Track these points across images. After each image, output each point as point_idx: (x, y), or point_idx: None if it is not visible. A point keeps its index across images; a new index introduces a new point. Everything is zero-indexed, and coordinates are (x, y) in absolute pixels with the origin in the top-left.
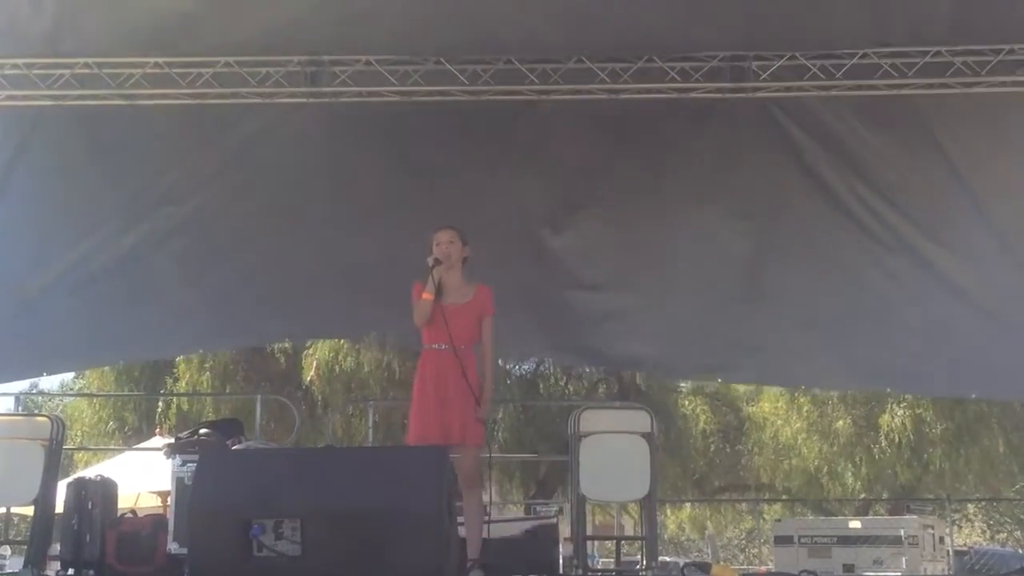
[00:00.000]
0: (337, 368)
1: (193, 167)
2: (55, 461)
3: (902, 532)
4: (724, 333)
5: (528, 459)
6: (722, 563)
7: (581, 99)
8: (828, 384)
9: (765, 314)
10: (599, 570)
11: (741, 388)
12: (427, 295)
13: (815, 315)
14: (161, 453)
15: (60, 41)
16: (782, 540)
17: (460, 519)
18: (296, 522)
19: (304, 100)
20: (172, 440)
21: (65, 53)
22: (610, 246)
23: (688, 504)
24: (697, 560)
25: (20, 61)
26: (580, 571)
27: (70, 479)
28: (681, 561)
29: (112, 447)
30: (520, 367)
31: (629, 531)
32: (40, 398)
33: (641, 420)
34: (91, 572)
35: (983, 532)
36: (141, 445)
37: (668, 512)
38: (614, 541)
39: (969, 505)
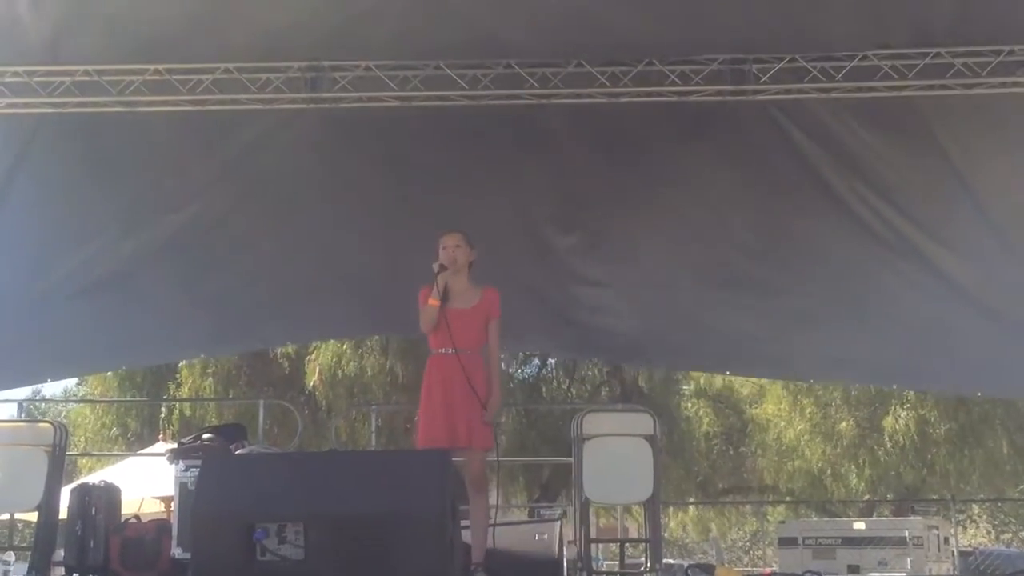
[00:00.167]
0: (340, 373)
1: (193, 173)
2: (58, 467)
3: (907, 533)
4: (729, 327)
5: (531, 462)
6: (726, 565)
7: (582, 103)
8: (833, 379)
9: (770, 309)
10: (603, 573)
11: (744, 390)
12: (433, 301)
13: (819, 312)
14: (164, 458)
15: (60, 49)
16: (786, 542)
17: (465, 523)
18: (299, 526)
19: (304, 106)
20: (175, 445)
21: (65, 61)
22: (613, 244)
23: (692, 506)
24: (701, 562)
25: (20, 69)
26: (584, 574)
27: (74, 485)
28: (685, 563)
29: (115, 453)
30: (523, 371)
31: (633, 534)
32: (43, 404)
33: (644, 423)
34: None
35: (988, 533)
36: (144, 450)
37: (672, 514)
38: (618, 544)
39: (974, 506)
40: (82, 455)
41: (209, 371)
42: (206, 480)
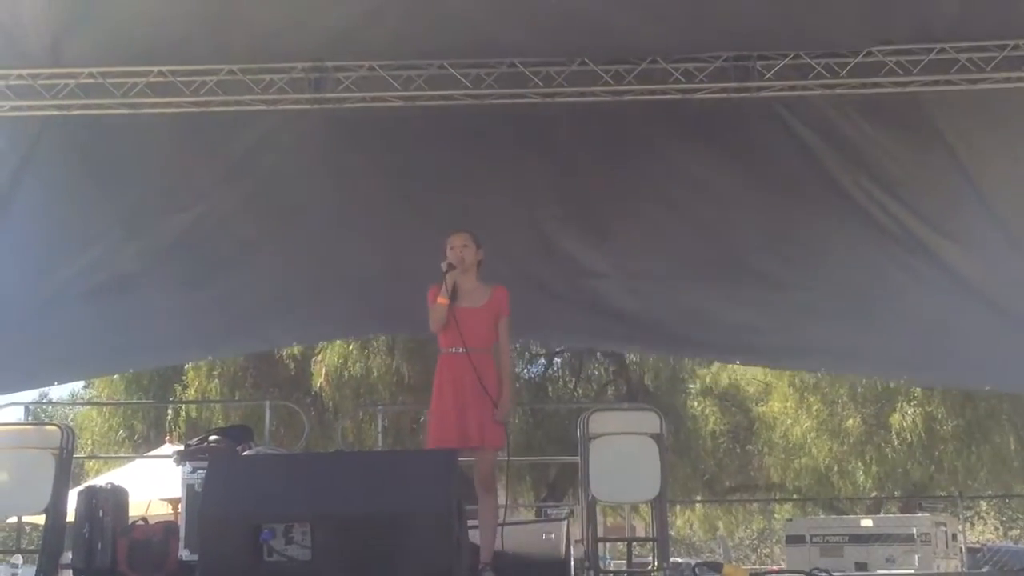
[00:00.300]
0: (346, 374)
1: (197, 174)
2: (66, 470)
3: (914, 530)
4: (736, 319)
5: (538, 462)
6: (734, 563)
7: (586, 101)
8: (840, 370)
9: (776, 302)
10: (611, 571)
11: (751, 388)
12: (442, 300)
13: (825, 305)
14: (171, 460)
15: (64, 51)
16: (794, 540)
17: (474, 522)
18: (306, 527)
19: (308, 106)
20: (182, 447)
21: (69, 63)
22: (618, 239)
23: (699, 504)
24: (709, 560)
25: (25, 72)
26: (591, 573)
27: (81, 487)
28: (693, 562)
29: (122, 455)
30: (529, 370)
31: (640, 533)
32: (50, 407)
33: (650, 421)
34: None
35: (996, 529)
36: (151, 453)
37: (679, 513)
38: (625, 543)
39: (981, 502)
40: (89, 458)
41: (215, 373)
42: (213, 482)
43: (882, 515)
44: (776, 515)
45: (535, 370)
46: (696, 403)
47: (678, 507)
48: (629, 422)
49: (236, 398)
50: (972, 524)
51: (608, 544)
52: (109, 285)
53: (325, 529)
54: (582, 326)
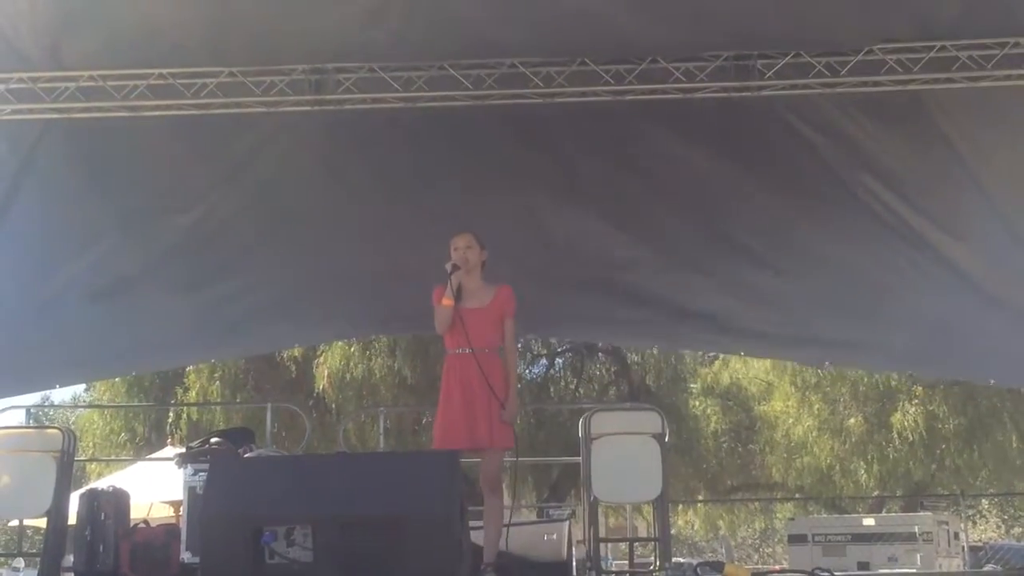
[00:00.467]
0: (348, 376)
1: (198, 177)
2: (67, 473)
3: (916, 529)
4: (739, 314)
5: (540, 462)
6: (736, 563)
7: (587, 101)
8: (844, 363)
9: (779, 298)
10: (613, 572)
11: (752, 388)
12: (446, 301)
13: (829, 300)
14: (172, 463)
15: (64, 54)
16: (796, 539)
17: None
18: (308, 529)
19: (308, 108)
20: (183, 450)
21: (69, 66)
22: (620, 237)
23: (701, 504)
24: (711, 560)
25: (25, 75)
26: (593, 574)
27: (82, 490)
28: (695, 561)
29: (124, 458)
30: (531, 371)
31: (642, 533)
32: (51, 410)
33: (652, 421)
34: None
35: (998, 527)
36: (152, 455)
37: (681, 512)
38: (627, 543)
39: (983, 500)
40: (91, 460)
41: (216, 375)
42: (214, 484)
43: (884, 514)
44: (778, 514)
45: (537, 371)
46: (698, 403)
47: (680, 507)
48: (631, 422)
49: (237, 400)
50: (974, 523)
51: (610, 544)
52: (110, 287)
53: (327, 531)
54: (586, 322)
